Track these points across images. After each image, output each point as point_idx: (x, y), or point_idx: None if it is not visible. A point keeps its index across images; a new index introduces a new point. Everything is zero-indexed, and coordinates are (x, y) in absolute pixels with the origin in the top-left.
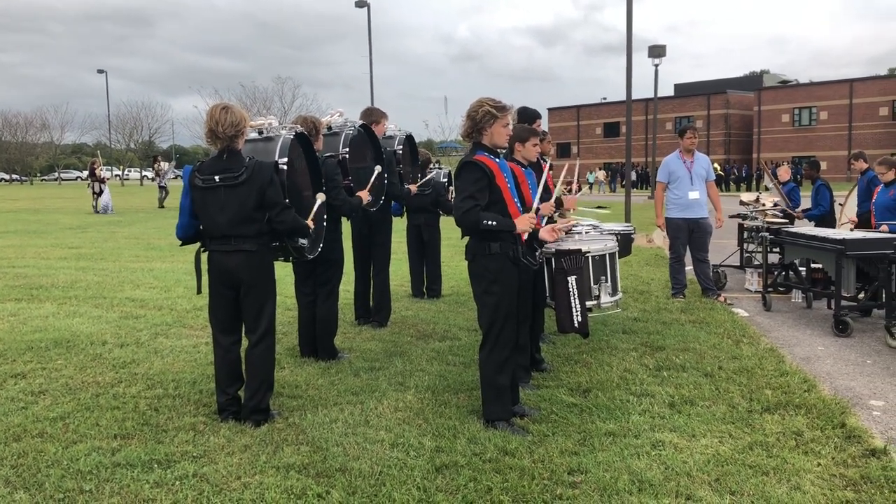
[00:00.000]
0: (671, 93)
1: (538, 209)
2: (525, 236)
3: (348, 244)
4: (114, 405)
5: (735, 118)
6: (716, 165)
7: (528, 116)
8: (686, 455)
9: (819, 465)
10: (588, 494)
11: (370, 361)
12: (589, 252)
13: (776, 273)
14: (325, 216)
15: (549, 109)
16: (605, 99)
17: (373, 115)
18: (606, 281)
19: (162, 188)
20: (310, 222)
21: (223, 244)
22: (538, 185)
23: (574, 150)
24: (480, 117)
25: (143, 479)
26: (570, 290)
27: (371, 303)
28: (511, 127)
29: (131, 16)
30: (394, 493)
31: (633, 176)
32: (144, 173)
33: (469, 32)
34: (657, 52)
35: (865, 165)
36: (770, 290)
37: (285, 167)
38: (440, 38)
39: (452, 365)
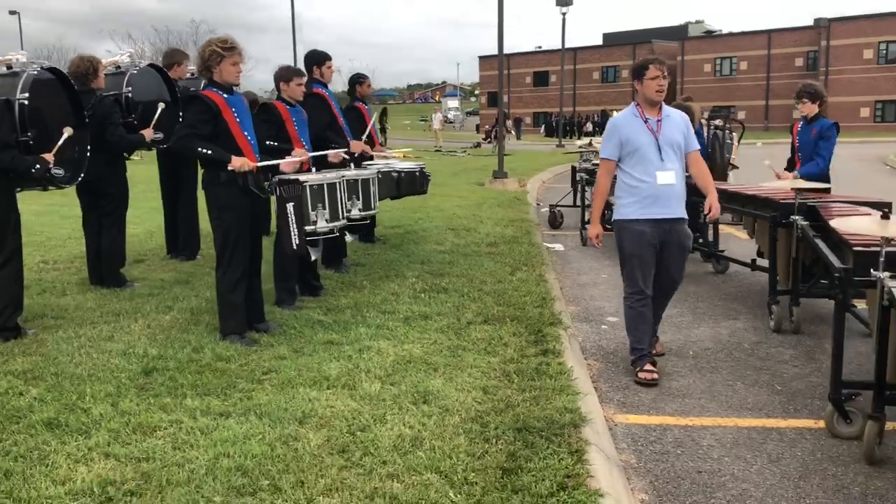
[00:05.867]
0: (600, 42)
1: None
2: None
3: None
4: None
5: None
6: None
7: (317, 58)
8: (381, 357)
9: (489, 362)
10: (264, 388)
11: (153, 289)
12: (307, 182)
13: None
14: (90, 148)
15: (481, 58)
16: (539, 47)
17: (174, 57)
18: (324, 208)
19: None
20: (49, 156)
21: None
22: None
23: (504, 98)
24: (208, 56)
25: None
26: (289, 215)
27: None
28: (240, 66)
29: None
30: (89, 388)
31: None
32: None
33: None
34: (563, 0)
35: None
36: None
37: (25, 102)
38: None
39: None
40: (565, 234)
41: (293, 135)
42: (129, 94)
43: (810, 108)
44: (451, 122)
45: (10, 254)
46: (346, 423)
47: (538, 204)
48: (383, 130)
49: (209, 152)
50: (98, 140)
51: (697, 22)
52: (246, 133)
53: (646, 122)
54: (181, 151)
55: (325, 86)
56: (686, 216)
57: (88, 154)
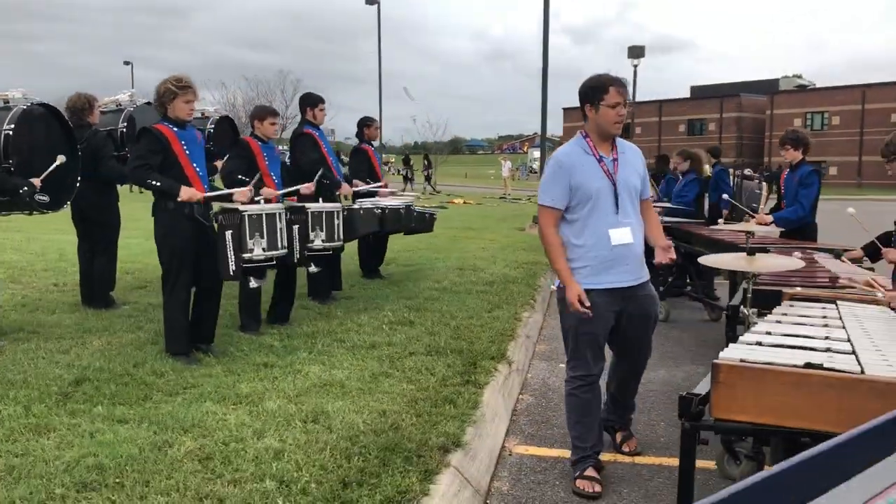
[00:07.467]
0: (687, 94)
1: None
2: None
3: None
4: None
5: (748, 122)
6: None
7: (310, 100)
8: (302, 380)
9: (403, 389)
10: (175, 400)
11: (136, 311)
12: (245, 211)
13: None
14: (82, 179)
15: (564, 109)
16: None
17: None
18: (262, 237)
19: None
20: (37, 181)
21: None
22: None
23: None
24: (163, 93)
25: None
26: (227, 242)
27: None
28: (193, 104)
29: (166, 7)
30: (14, 392)
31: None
32: None
33: (502, 30)
34: (636, 52)
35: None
36: None
37: (10, 132)
38: (474, 35)
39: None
40: None
41: (263, 170)
42: (124, 130)
43: (793, 155)
44: (535, 172)
45: None
46: (226, 434)
47: None
48: (408, 179)
49: (159, 184)
50: (91, 172)
51: (795, 76)
52: (195, 165)
53: (599, 160)
54: (133, 182)
55: (317, 127)
56: (647, 276)
57: (78, 184)
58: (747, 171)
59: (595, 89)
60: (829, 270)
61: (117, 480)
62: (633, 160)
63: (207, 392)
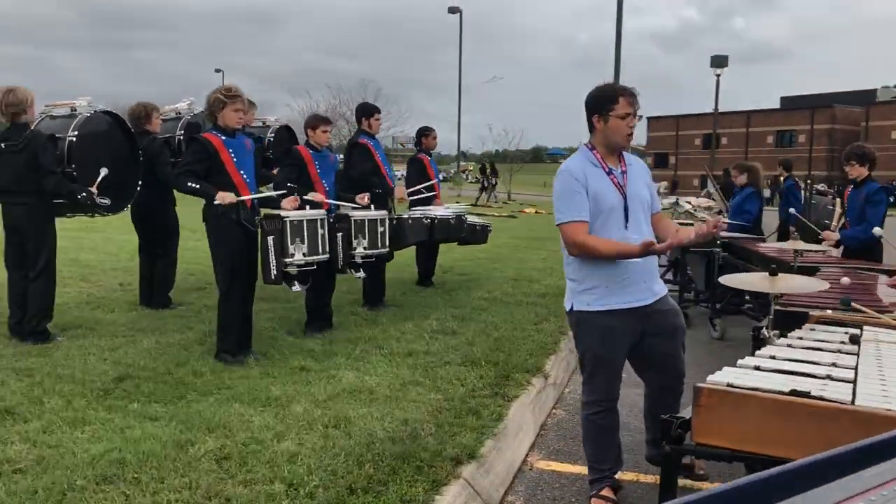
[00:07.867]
0: (777, 105)
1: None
2: (248, 203)
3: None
4: None
5: (840, 134)
6: None
7: (366, 110)
8: (333, 385)
9: (430, 399)
10: (207, 401)
11: (190, 312)
12: (287, 217)
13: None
14: (141, 184)
15: (649, 118)
16: (716, 110)
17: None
18: (302, 243)
19: None
20: (94, 188)
21: (8, 197)
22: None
23: (672, 160)
24: (212, 102)
25: None
26: (269, 248)
27: None
28: (242, 113)
29: (261, 15)
30: (59, 386)
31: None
32: None
33: (588, 38)
34: (719, 62)
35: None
36: None
37: (73, 139)
38: (559, 43)
39: (261, 319)
40: None
41: (315, 177)
42: (181, 137)
43: (859, 171)
44: None
45: (43, 269)
46: (247, 436)
47: None
48: (484, 188)
49: (197, 186)
50: (149, 177)
51: (893, 87)
52: (242, 172)
53: (609, 173)
54: (175, 188)
55: (373, 136)
56: (665, 290)
57: (139, 189)
58: (820, 187)
59: (604, 99)
60: (874, 294)
61: (135, 475)
62: (641, 172)
63: (240, 393)
